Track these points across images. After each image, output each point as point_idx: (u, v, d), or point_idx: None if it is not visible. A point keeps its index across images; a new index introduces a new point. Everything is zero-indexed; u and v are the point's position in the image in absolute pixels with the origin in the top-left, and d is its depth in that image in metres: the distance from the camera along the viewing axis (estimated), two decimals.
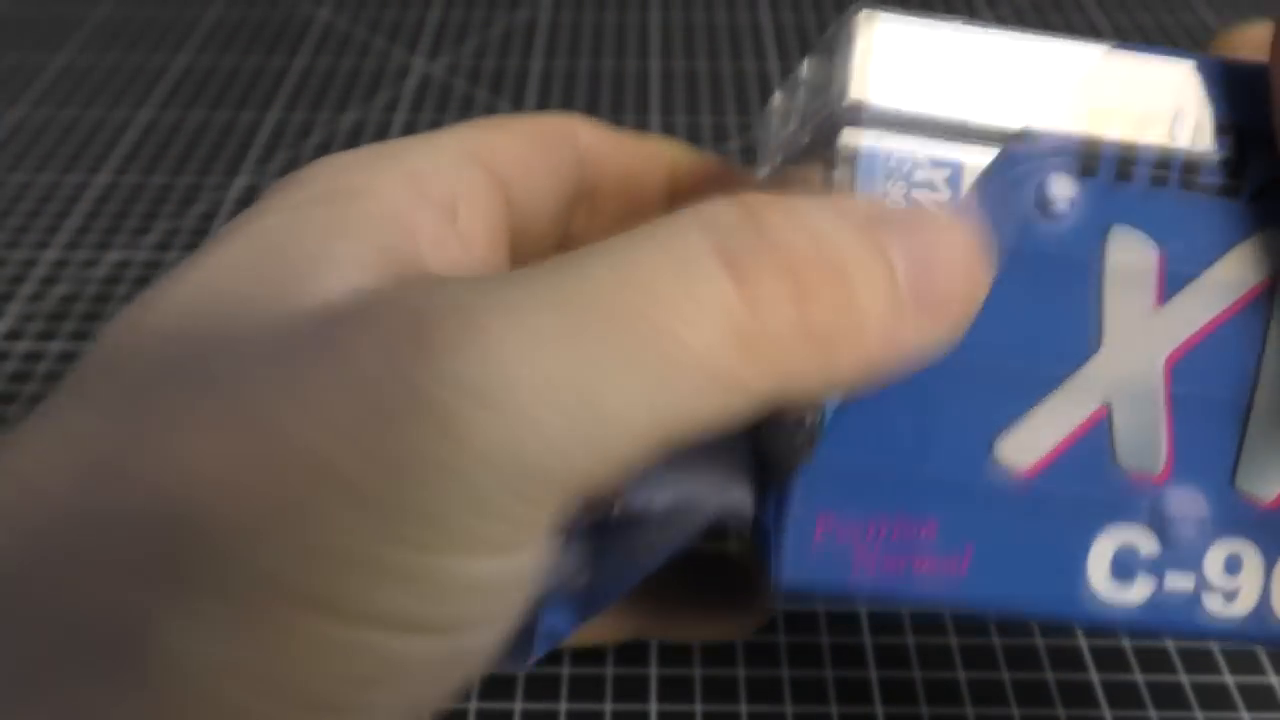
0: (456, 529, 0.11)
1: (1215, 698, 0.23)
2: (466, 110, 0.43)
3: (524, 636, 0.16)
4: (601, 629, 0.20)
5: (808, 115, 0.17)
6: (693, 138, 0.41)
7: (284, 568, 0.11)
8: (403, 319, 0.11)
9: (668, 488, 0.15)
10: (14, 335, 0.33)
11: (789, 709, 0.23)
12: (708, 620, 0.21)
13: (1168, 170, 0.15)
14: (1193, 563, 0.15)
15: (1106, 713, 0.23)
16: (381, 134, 0.41)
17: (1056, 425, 0.15)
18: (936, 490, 0.15)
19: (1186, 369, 0.15)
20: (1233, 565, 0.15)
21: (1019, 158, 0.15)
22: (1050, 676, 0.23)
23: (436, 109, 0.43)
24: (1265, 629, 0.15)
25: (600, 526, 0.16)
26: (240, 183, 0.39)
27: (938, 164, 0.15)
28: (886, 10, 0.15)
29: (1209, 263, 0.15)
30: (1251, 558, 0.15)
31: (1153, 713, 0.23)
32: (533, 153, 0.17)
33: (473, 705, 0.23)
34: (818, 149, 0.16)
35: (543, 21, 0.49)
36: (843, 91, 0.15)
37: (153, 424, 0.11)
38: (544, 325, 0.11)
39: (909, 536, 0.15)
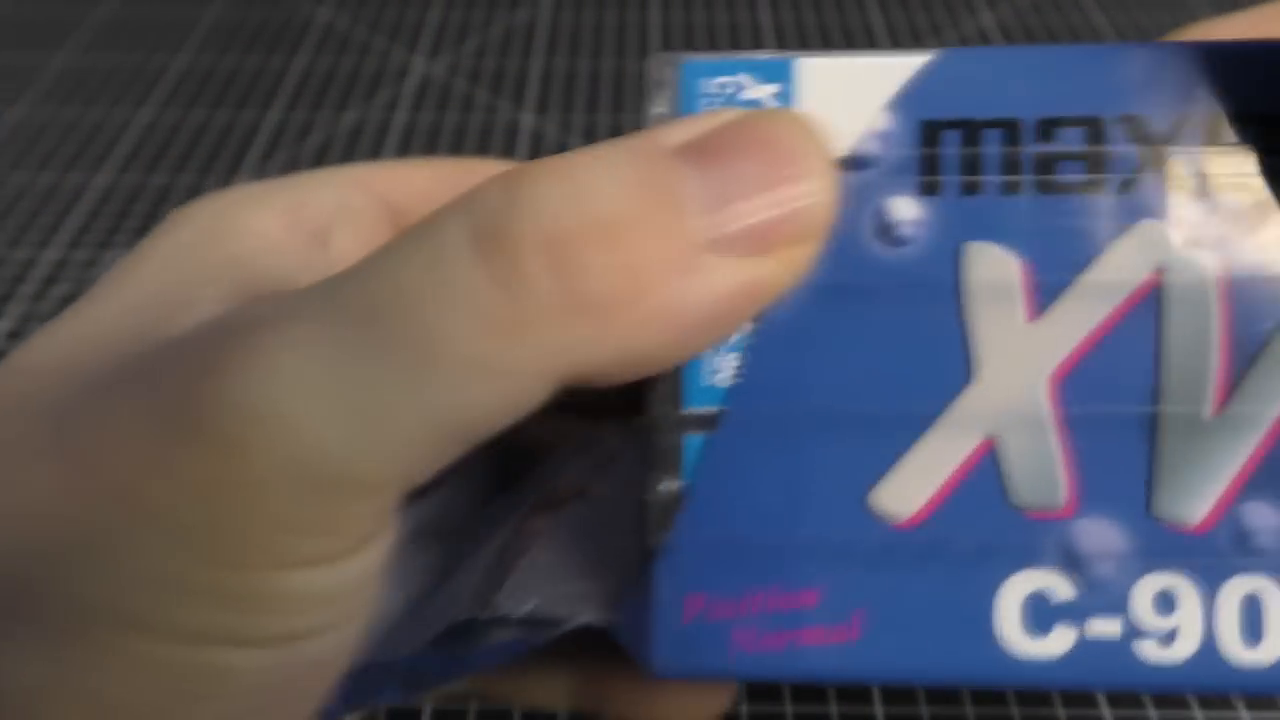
0: (260, 545, 0.11)
1: (1215, 698, 0.23)
2: (466, 110, 0.43)
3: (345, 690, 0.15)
4: (540, 693, 0.19)
5: None
6: None
7: (98, 592, 0.11)
8: (199, 344, 0.12)
9: (532, 596, 0.15)
10: (14, 335, 0.33)
11: (789, 709, 0.23)
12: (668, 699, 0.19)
13: (1018, 173, 0.13)
14: (1117, 604, 0.13)
15: (1106, 712, 0.23)
16: (381, 134, 0.41)
17: (936, 467, 0.13)
18: (814, 554, 0.14)
19: (1075, 386, 0.13)
20: (1165, 603, 0.13)
21: (849, 184, 0.13)
22: None
23: (436, 109, 0.43)
24: (1213, 672, 0.13)
25: (466, 626, 0.15)
26: (240, 182, 0.39)
27: (767, 76, 0.13)
28: (691, 53, 0.14)
29: (1081, 267, 0.13)
30: (1187, 591, 0.13)
31: (1153, 712, 0.23)
32: (437, 185, 0.17)
33: (473, 705, 0.23)
34: None
35: (543, 21, 0.49)
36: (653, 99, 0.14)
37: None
38: (311, 334, 0.11)
39: (790, 608, 0.14)
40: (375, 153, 0.40)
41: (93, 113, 0.43)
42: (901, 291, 0.13)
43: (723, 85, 0.14)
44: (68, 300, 0.34)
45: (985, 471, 0.14)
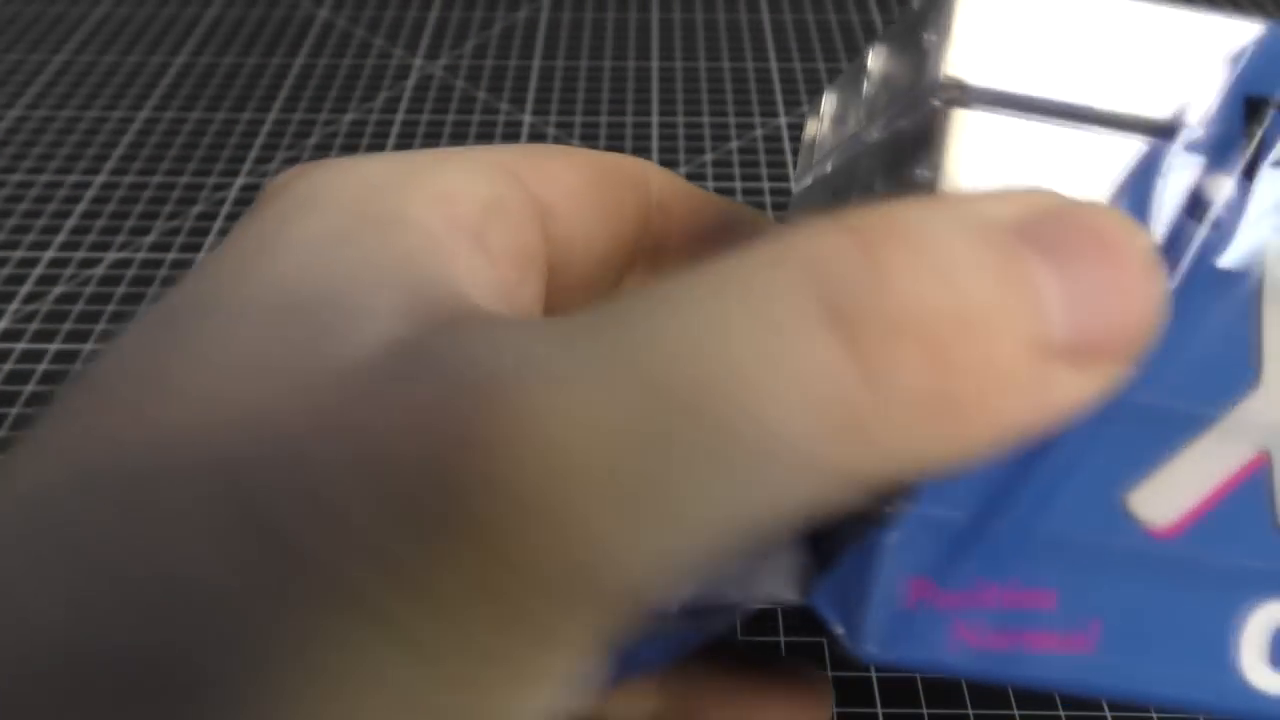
0: (512, 663, 0.09)
1: None
2: (466, 110, 0.43)
3: None
4: (626, 713, 0.18)
5: (883, 110, 0.14)
6: (693, 138, 0.41)
7: (302, 712, 0.09)
8: (441, 398, 0.09)
9: (692, 582, 0.13)
10: (13, 335, 0.33)
11: None
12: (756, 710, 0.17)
13: None
14: None
15: (1107, 714, 0.23)
16: (381, 134, 0.41)
17: (1204, 476, 0.12)
18: (1057, 552, 0.12)
19: None
20: None
21: (1166, 152, 0.12)
22: None
23: (436, 109, 0.43)
24: None
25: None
26: (240, 183, 0.39)
27: (1054, 151, 0.12)
28: None
29: None
30: None
31: (1154, 713, 0.23)
32: (584, 184, 0.15)
33: None
34: (906, 145, 0.13)
35: (543, 21, 0.49)
36: (938, 71, 0.12)
37: (146, 515, 0.09)
38: (606, 408, 0.09)
39: (1023, 607, 0.12)
40: (375, 152, 0.40)
41: (92, 113, 0.43)
42: (1196, 277, 0.12)
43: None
44: (66, 300, 0.34)
45: (1255, 488, 0.12)
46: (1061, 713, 0.23)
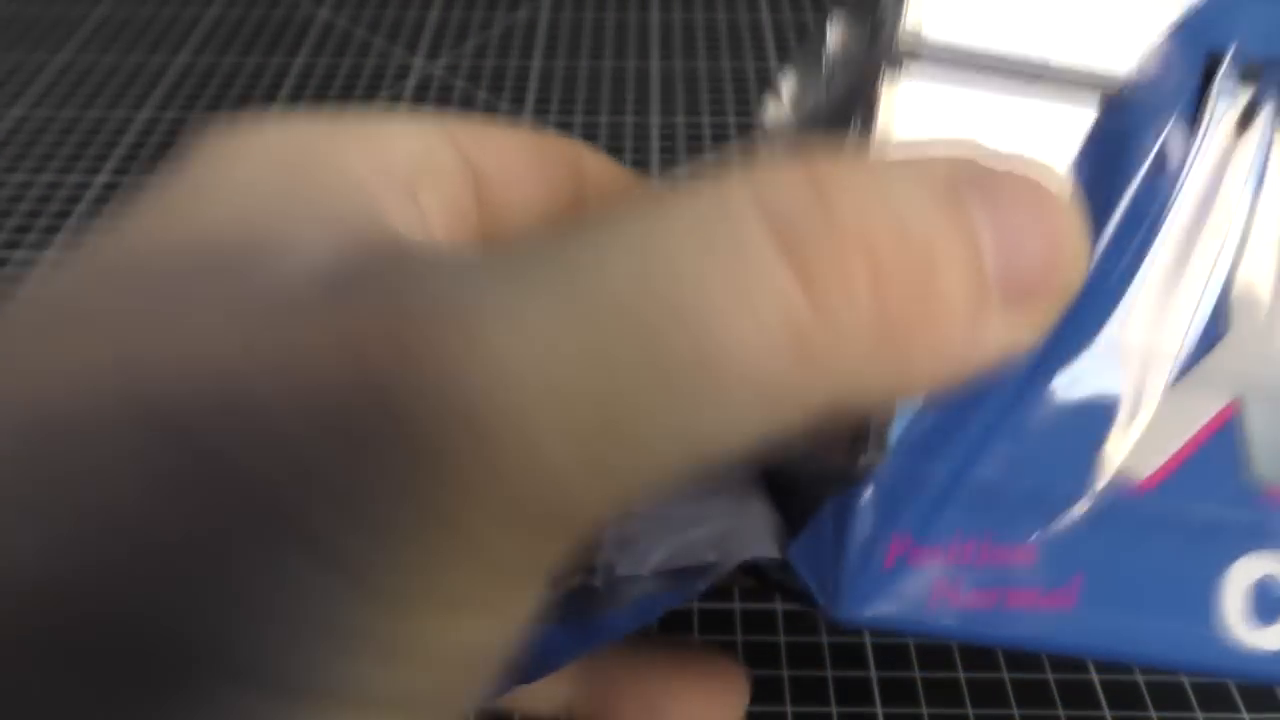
0: (447, 586, 0.09)
1: (1216, 698, 0.23)
2: (467, 110, 0.43)
3: None
4: (539, 701, 0.18)
5: (839, 78, 0.14)
6: (693, 138, 0.41)
7: (238, 646, 0.08)
8: (378, 317, 0.09)
9: (657, 548, 0.13)
10: None
11: (789, 709, 0.23)
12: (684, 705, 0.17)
13: None
14: None
15: (1106, 713, 0.23)
16: None
17: (1178, 426, 0.12)
18: (1036, 507, 0.12)
19: None
20: None
21: (1127, 107, 0.12)
22: (1050, 676, 0.23)
23: (436, 109, 0.43)
24: None
25: (581, 593, 0.13)
26: None
27: (1001, 114, 0.13)
28: None
29: None
30: None
31: (1153, 713, 0.23)
32: (520, 156, 0.15)
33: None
34: (854, 103, 0.13)
35: (543, 21, 0.49)
36: (891, 30, 0.12)
37: (70, 468, 0.09)
38: (556, 331, 0.09)
39: (1002, 563, 0.12)
40: None
41: (92, 113, 0.43)
42: (1164, 227, 0.12)
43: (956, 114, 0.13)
44: None
45: (1227, 437, 0.12)
46: (1061, 712, 0.23)
